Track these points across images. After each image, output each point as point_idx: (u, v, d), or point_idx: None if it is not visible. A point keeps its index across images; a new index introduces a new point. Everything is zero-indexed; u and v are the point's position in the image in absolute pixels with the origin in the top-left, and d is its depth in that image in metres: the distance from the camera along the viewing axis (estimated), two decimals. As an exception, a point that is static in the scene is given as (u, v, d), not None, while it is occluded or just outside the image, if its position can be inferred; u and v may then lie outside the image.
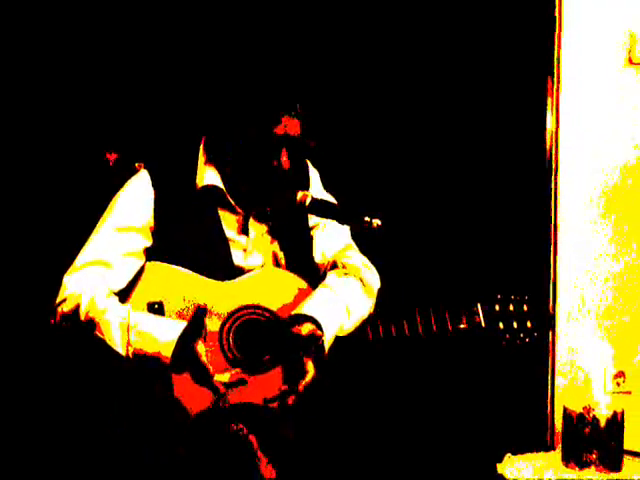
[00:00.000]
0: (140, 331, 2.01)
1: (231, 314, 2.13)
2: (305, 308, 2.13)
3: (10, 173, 2.76)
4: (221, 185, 2.17)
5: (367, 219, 2.11)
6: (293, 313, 2.13)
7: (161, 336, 2.01)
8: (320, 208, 2.18)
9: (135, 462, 2.04)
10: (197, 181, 2.18)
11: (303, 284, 2.21)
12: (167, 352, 2.00)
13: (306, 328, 2.09)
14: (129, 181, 2.21)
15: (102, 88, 2.82)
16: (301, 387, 2.06)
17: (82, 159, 2.80)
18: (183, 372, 2.02)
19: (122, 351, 2.01)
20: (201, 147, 2.22)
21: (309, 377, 2.07)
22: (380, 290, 2.31)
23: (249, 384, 2.07)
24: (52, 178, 2.78)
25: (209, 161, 2.19)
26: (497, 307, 2.24)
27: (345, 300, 2.20)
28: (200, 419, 2.03)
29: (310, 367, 2.08)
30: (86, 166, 2.79)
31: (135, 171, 2.24)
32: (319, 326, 2.10)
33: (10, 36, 2.76)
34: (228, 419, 2.06)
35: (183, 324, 2.03)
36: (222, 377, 2.02)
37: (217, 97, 2.18)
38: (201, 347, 2.00)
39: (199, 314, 2.02)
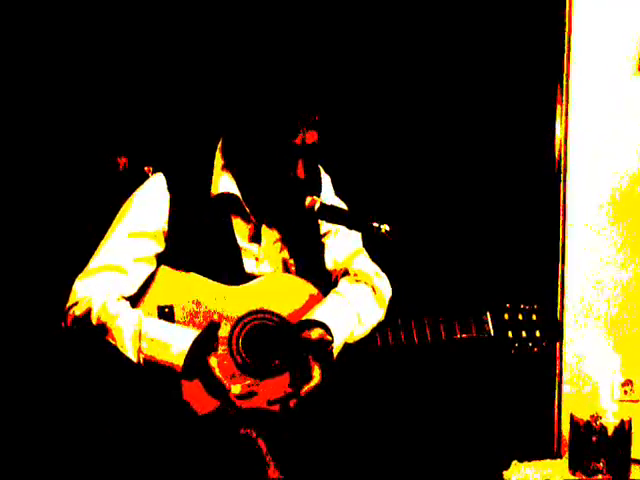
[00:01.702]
0: (152, 338, 2.01)
1: (241, 319, 2.13)
2: (316, 314, 2.13)
3: (18, 177, 2.76)
4: (237, 193, 2.17)
5: (376, 224, 2.10)
6: (304, 318, 2.12)
7: (173, 344, 2.01)
8: (329, 213, 2.18)
9: (142, 465, 2.04)
10: (212, 187, 2.17)
11: (314, 290, 2.21)
12: (178, 361, 2.00)
13: (316, 333, 2.09)
14: (144, 184, 2.19)
15: (113, 89, 2.82)
16: (303, 392, 2.05)
17: (92, 163, 2.80)
18: (193, 380, 2.03)
19: (133, 357, 2.01)
20: (218, 151, 2.20)
21: (313, 382, 2.06)
22: (390, 297, 2.31)
23: (258, 389, 2.07)
24: (62, 182, 2.77)
25: (226, 166, 2.18)
26: (506, 316, 2.23)
27: (356, 307, 2.20)
28: (207, 420, 2.03)
29: (316, 373, 2.07)
30: (95, 170, 2.79)
31: (145, 175, 2.24)
32: (329, 331, 2.10)
33: (16, 40, 2.75)
34: (237, 423, 2.06)
35: (195, 333, 2.04)
36: (234, 389, 2.02)
37: (236, 104, 2.16)
38: (214, 361, 2.01)
39: (212, 328, 2.03)
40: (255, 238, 2.21)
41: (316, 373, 2.07)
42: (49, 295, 2.27)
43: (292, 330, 2.11)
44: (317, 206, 2.15)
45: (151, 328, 2.03)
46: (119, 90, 2.83)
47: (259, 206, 2.19)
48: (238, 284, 2.15)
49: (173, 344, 2.01)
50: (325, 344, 2.10)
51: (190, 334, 2.03)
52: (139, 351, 2.01)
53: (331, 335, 2.10)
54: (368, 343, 2.20)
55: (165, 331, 2.04)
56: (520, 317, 2.24)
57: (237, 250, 2.18)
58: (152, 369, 2.01)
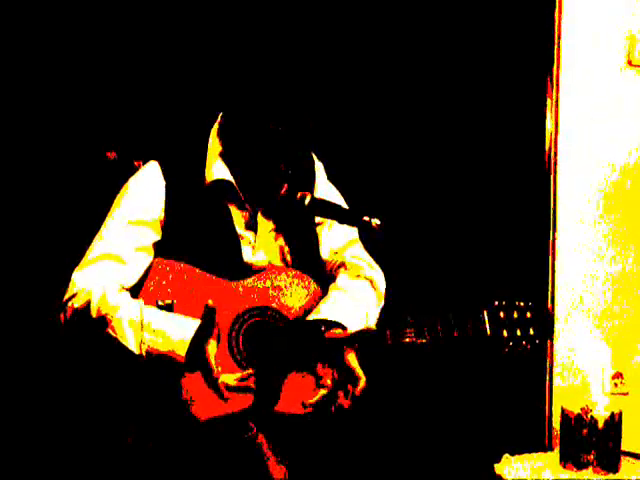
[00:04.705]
0: (154, 329, 1.97)
1: (240, 315, 2.10)
2: (328, 313, 2.10)
3: (11, 170, 2.74)
4: (231, 179, 2.14)
5: (366, 218, 2.09)
6: (314, 318, 2.09)
7: (175, 334, 1.97)
8: (320, 208, 2.16)
9: (142, 460, 2.02)
10: (207, 174, 2.14)
11: (314, 284, 2.18)
12: (181, 351, 1.96)
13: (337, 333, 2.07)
14: (139, 172, 2.16)
15: (101, 78, 2.79)
16: (358, 391, 2.04)
17: (84, 153, 2.78)
18: (196, 371, 1.99)
19: (135, 350, 1.97)
20: (212, 137, 2.18)
21: (362, 382, 2.06)
22: (386, 296, 2.29)
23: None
24: (52, 174, 2.75)
25: (220, 153, 2.15)
26: (502, 314, 2.22)
27: (363, 304, 2.18)
28: (210, 424, 2.00)
29: (359, 372, 2.06)
30: (86, 158, 2.77)
31: (135, 168, 2.22)
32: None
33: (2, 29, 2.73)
34: (237, 420, 2.03)
35: (197, 322, 1.99)
36: (227, 378, 1.98)
37: (227, 92, 2.15)
38: (211, 347, 1.97)
39: (208, 313, 1.98)
40: (251, 226, 2.18)
41: (360, 372, 2.06)
42: (45, 289, 2.23)
43: (304, 328, 2.08)
44: (307, 201, 2.13)
45: (153, 319, 1.99)
46: (108, 78, 2.80)
47: (252, 194, 2.17)
48: (236, 273, 2.12)
49: (176, 334, 1.97)
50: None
51: (193, 323, 1.99)
52: (141, 343, 1.97)
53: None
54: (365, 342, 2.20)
55: (168, 321, 2.00)
56: (515, 315, 2.22)
57: (235, 237, 2.15)
58: (154, 361, 1.97)
